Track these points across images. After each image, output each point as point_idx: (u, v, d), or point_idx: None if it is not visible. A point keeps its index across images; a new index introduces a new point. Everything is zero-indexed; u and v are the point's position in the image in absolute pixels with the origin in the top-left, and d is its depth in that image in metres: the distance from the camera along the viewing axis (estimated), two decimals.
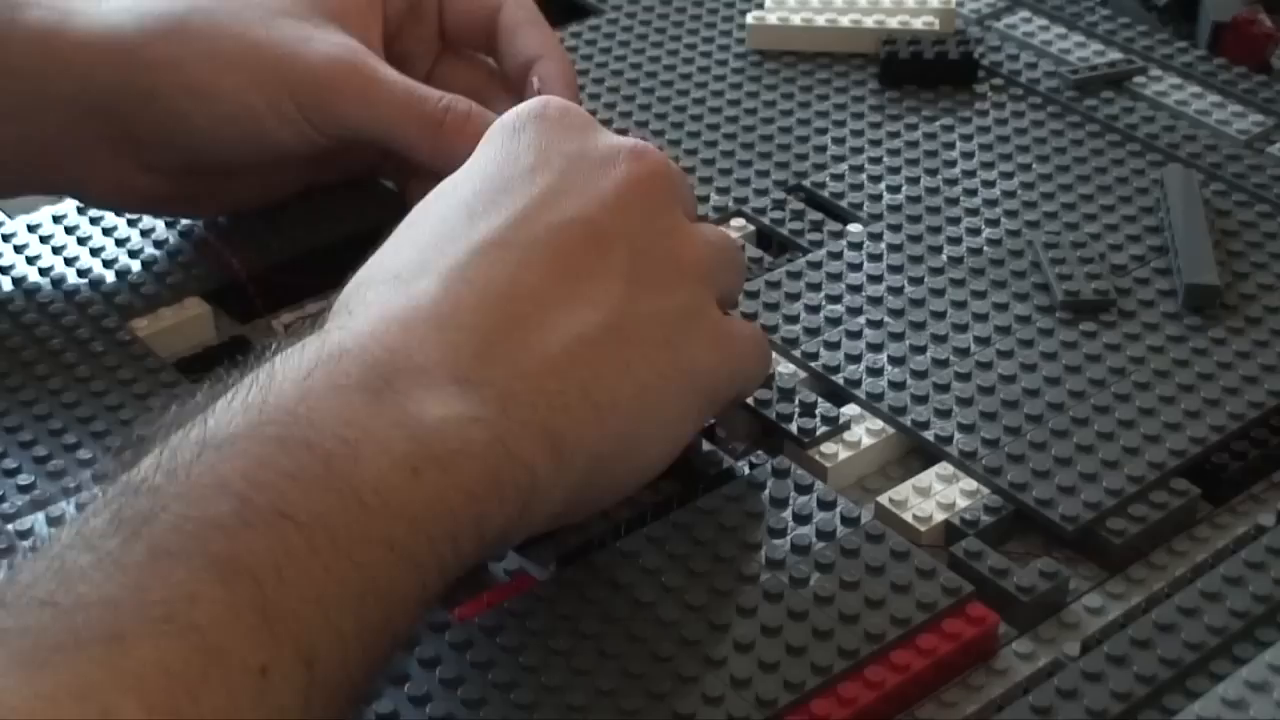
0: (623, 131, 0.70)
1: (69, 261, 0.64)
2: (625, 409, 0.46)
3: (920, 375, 0.57)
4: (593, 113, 0.72)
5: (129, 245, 0.64)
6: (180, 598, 0.37)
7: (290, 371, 0.42)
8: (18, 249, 0.64)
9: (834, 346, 0.59)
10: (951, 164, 0.69)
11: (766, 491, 0.52)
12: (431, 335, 0.44)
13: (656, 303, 0.48)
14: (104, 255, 0.64)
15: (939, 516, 0.52)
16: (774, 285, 0.62)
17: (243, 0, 0.60)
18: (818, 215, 0.66)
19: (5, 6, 0.58)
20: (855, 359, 0.58)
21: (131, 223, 0.65)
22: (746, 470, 0.53)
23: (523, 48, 0.63)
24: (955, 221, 0.65)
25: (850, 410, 0.56)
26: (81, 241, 0.64)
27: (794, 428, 0.55)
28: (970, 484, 0.53)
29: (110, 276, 0.63)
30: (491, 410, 0.43)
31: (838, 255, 0.64)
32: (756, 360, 0.53)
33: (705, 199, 0.67)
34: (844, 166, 0.69)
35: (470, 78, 0.65)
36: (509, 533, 0.44)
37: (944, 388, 0.57)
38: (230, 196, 0.64)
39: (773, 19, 0.77)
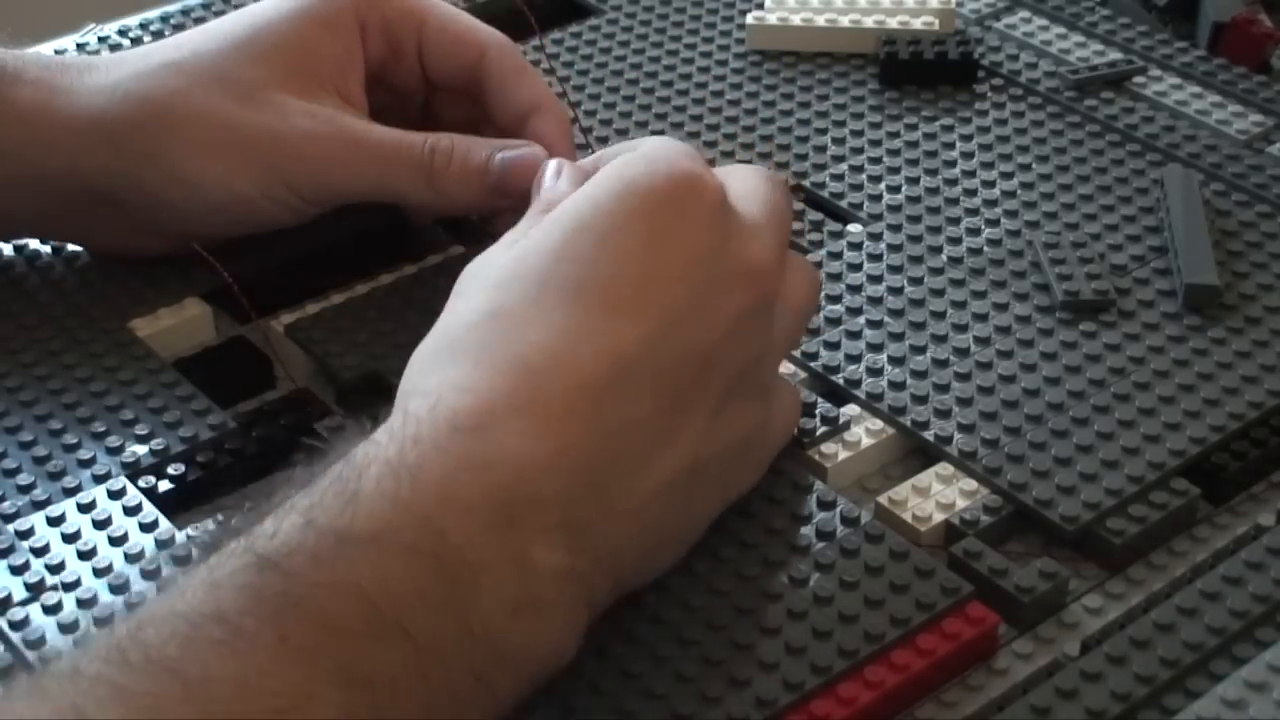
0: (623, 133, 0.71)
1: (69, 262, 0.64)
2: (673, 542, 0.49)
3: (920, 375, 0.57)
4: (592, 113, 0.72)
5: None
6: (303, 694, 0.38)
7: (432, 472, 0.42)
8: (18, 249, 0.64)
9: (834, 346, 0.59)
10: (951, 164, 0.69)
11: (766, 492, 0.52)
12: (554, 462, 0.44)
13: (728, 437, 0.48)
14: (104, 256, 0.64)
15: (939, 516, 0.52)
16: None
17: (219, 77, 0.59)
18: (818, 215, 0.66)
19: None
20: (855, 359, 0.58)
21: None
22: None
23: (515, 100, 0.62)
24: (955, 221, 0.65)
25: (850, 410, 0.56)
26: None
27: None
28: (970, 484, 0.53)
29: (110, 277, 0.63)
30: (585, 563, 0.44)
31: (838, 255, 0.64)
32: (784, 438, 0.53)
33: None
34: (844, 166, 0.69)
35: (468, 109, 0.64)
36: (565, 662, 0.45)
37: (944, 388, 0.57)
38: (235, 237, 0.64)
39: (773, 19, 0.77)
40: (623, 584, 0.47)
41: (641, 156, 0.49)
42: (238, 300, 0.60)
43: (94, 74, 0.60)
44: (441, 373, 0.45)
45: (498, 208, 0.60)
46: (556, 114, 0.63)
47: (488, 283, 0.48)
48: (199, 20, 0.78)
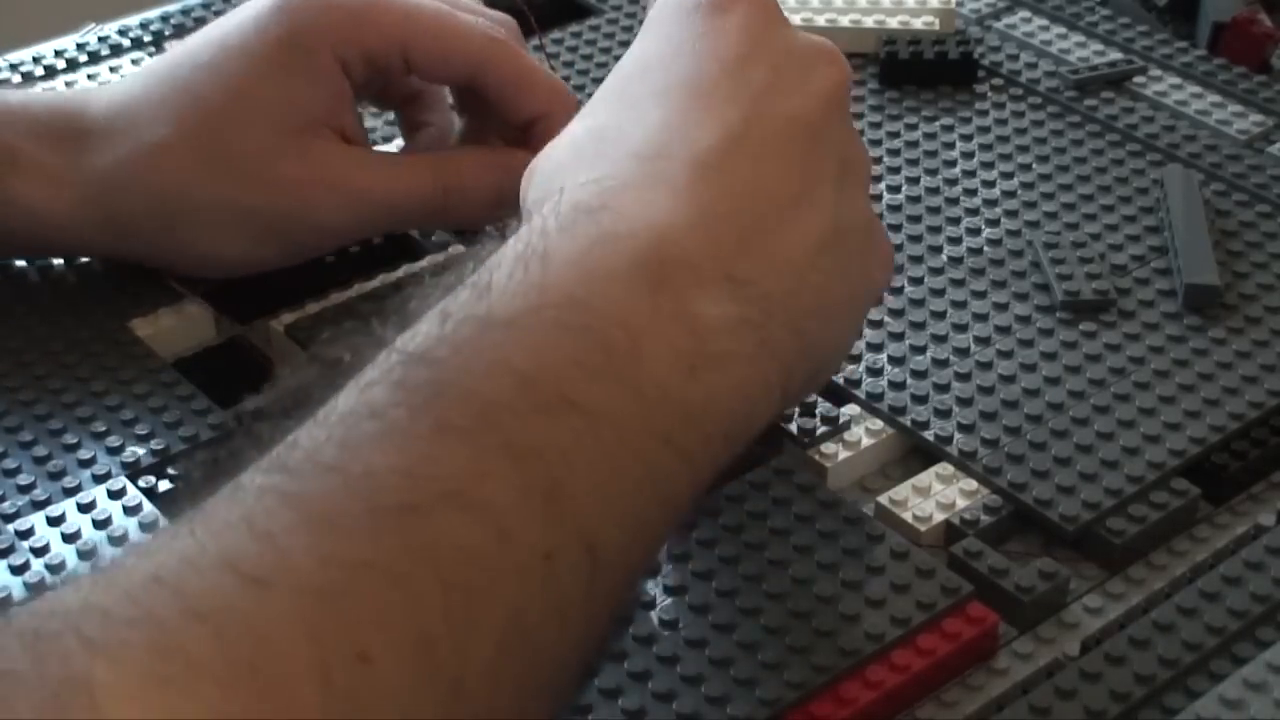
0: None
1: (69, 262, 0.64)
2: (841, 313, 0.47)
3: (920, 375, 0.57)
4: None
5: None
6: (471, 474, 0.37)
7: (565, 253, 0.41)
8: None
9: None
10: (951, 164, 0.69)
11: (768, 492, 0.52)
12: (697, 226, 0.43)
13: (855, 212, 0.48)
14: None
15: (939, 516, 0.52)
16: None
17: (219, 158, 0.58)
18: None
19: None
20: (855, 359, 0.58)
21: None
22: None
23: (517, 111, 0.61)
24: (955, 221, 0.65)
25: (850, 410, 0.56)
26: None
27: (794, 427, 0.55)
28: (970, 484, 0.53)
29: (110, 277, 0.63)
30: (756, 311, 0.43)
31: None
32: (885, 279, 0.52)
33: None
34: None
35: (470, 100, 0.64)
36: (765, 423, 0.45)
37: (944, 388, 0.57)
38: None
39: None
40: (808, 343, 0.45)
41: None
42: (233, 305, 0.60)
43: (88, 152, 0.59)
44: (559, 180, 0.45)
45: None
46: (563, 118, 0.62)
47: (582, 111, 0.48)
48: (199, 20, 0.78)
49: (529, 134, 0.61)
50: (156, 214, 0.59)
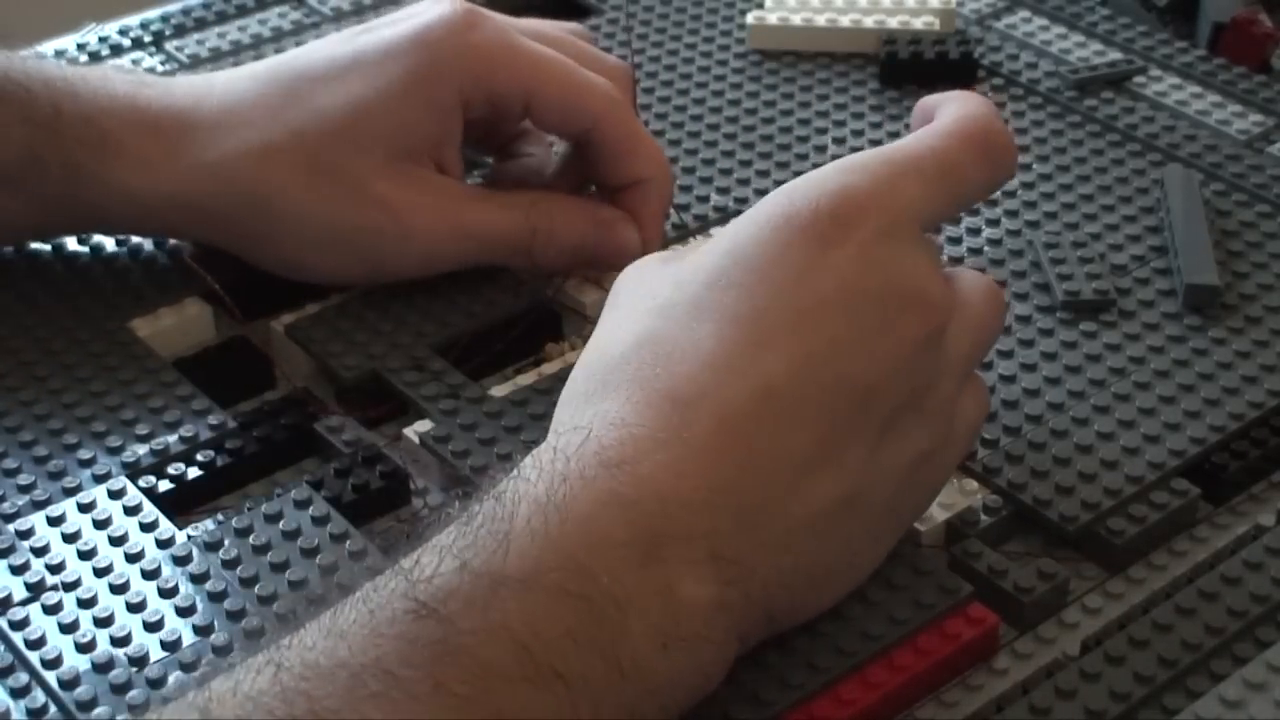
0: None
1: (69, 262, 0.64)
2: (836, 574, 0.47)
3: None
4: None
5: (129, 245, 0.64)
6: None
7: (580, 509, 0.42)
8: (17, 249, 0.64)
9: None
10: None
11: None
12: (700, 496, 0.44)
13: (892, 467, 0.47)
14: (104, 256, 0.64)
15: (939, 516, 0.52)
16: None
17: (320, 170, 0.59)
18: None
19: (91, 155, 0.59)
20: None
21: None
22: None
23: (621, 172, 0.61)
24: (955, 221, 0.65)
25: None
26: (82, 241, 0.64)
27: None
28: (970, 484, 0.53)
29: (110, 277, 0.63)
30: (734, 594, 0.44)
31: None
32: (961, 456, 0.51)
33: (705, 199, 0.67)
34: None
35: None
36: (711, 689, 0.45)
37: None
38: None
39: (773, 19, 0.77)
40: (778, 616, 0.46)
41: (810, 180, 0.48)
42: (227, 306, 0.60)
43: (194, 147, 0.59)
44: (595, 406, 0.46)
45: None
46: (660, 188, 0.62)
47: (644, 304, 0.48)
48: (199, 20, 0.78)
49: (621, 193, 0.62)
50: (251, 215, 0.59)
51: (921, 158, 0.49)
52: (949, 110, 0.52)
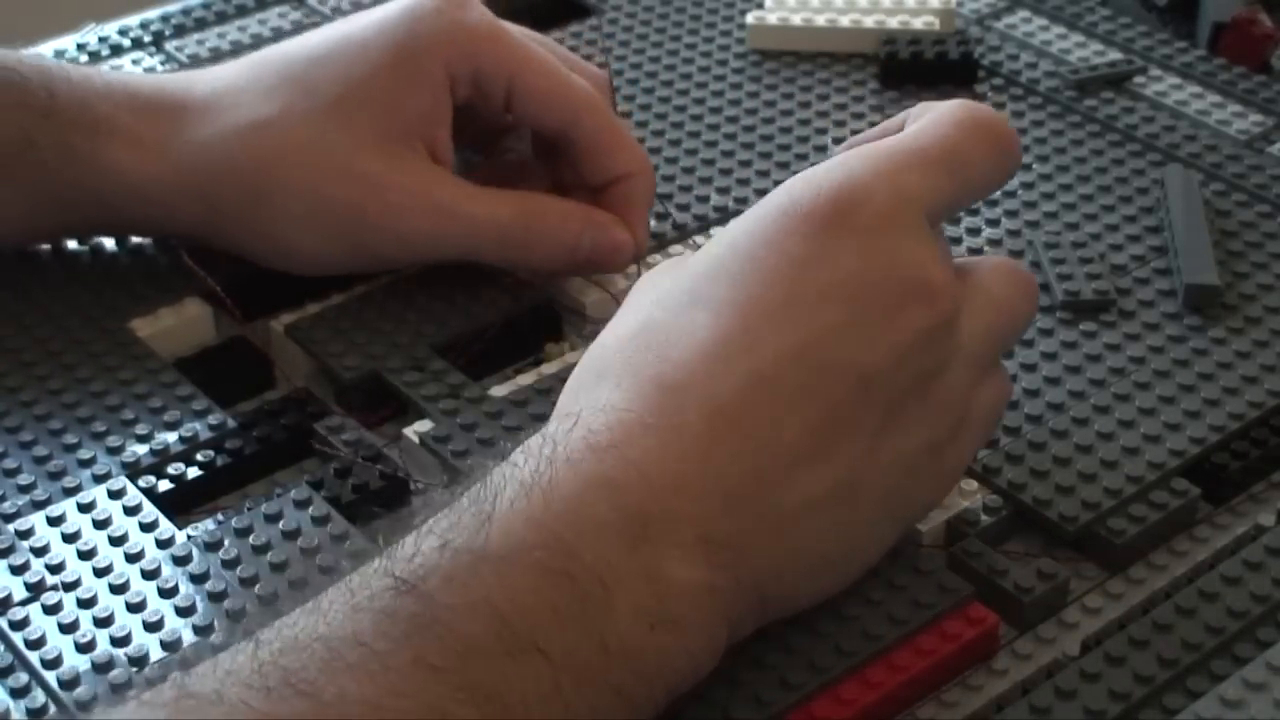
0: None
1: (69, 262, 0.64)
2: (830, 568, 0.47)
3: None
4: None
5: (129, 245, 0.64)
6: (434, 713, 0.38)
7: (566, 490, 0.43)
8: (18, 249, 0.64)
9: None
10: None
11: None
12: (690, 480, 0.44)
13: (898, 448, 0.47)
14: (104, 256, 0.64)
15: (939, 516, 0.52)
16: None
17: (311, 145, 0.59)
18: None
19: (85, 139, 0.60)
20: None
21: None
22: None
23: (603, 168, 0.61)
24: (955, 221, 0.65)
25: None
26: (81, 241, 0.64)
27: None
28: (970, 484, 0.53)
29: (110, 277, 0.63)
30: (725, 578, 0.44)
31: None
32: (975, 448, 0.51)
33: (705, 199, 0.67)
34: None
35: (552, 151, 0.64)
36: (705, 674, 0.45)
37: None
38: None
39: (773, 19, 0.77)
40: (771, 603, 0.46)
41: (813, 173, 0.48)
42: (227, 307, 0.60)
43: (186, 127, 0.60)
44: (588, 394, 0.46)
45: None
46: (643, 183, 0.62)
47: (648, 297, 0.48)
48: (199, 20, 0.78)
49: (604, 192, 0.61)
50: (243, 192, 0.59)
51: (925, 148, 0.49)
52: (948, 105, 0.51)
